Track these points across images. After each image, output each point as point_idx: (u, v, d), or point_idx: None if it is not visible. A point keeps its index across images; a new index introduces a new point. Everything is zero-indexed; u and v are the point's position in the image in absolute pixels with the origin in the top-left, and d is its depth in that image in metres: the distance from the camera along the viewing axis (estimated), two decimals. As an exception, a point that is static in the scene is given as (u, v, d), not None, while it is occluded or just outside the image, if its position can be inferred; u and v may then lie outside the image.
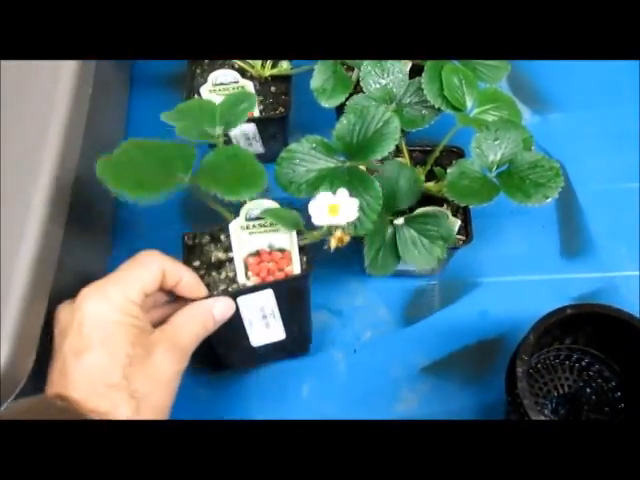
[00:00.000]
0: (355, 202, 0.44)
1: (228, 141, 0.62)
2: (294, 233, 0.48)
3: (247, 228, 0.48)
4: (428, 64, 0.53)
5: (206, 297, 0.48)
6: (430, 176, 0.58)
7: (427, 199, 0.57)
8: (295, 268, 0.50)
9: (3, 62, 0.52)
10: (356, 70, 0.59)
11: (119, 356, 0.41)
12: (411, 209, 0.55)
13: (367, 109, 0.47)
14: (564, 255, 0.65)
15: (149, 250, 0.47)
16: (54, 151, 0.49)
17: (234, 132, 0.64)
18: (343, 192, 0.44)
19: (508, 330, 0.62)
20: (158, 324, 0.46)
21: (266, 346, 0.55)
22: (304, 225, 0.47)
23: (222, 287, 0.50)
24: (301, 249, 0.50)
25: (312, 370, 0.60)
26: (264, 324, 0.52)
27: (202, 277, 0.51)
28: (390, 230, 0.52)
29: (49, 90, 0.52)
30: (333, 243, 0.44)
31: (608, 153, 0.71)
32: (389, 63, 0.55)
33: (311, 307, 0.55)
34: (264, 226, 0.48)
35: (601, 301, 0.61)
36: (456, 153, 0.61)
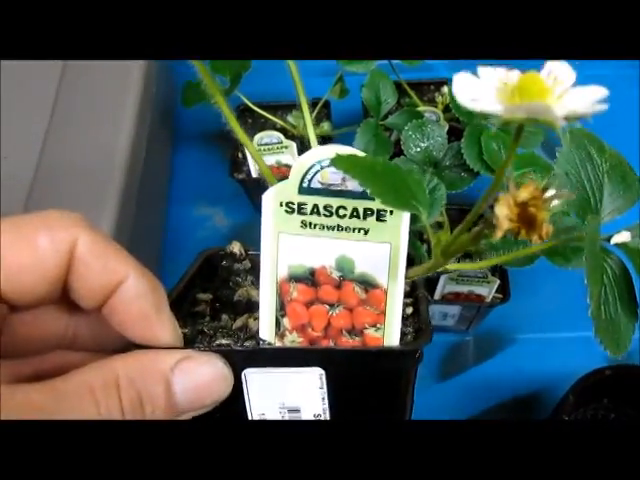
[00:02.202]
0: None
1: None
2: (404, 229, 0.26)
3: (300, 212, 0.26)
4: (467, 130, 0.56)
5: (171, 347, 0.24)
6: (468, 235, 0.59)
7: (465, 258, 0.59)
8: (390, 335, 0.26)
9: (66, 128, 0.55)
10: (394, 132, 0.62)
11: None
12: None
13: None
14: (599, 314, 0.66)
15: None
16: (114, 207, 0.51)
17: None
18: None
19: (543, 387, 0.62)
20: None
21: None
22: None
23: (222, 341, 0.28)
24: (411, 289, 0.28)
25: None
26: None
27: (196, 317, 0.30)
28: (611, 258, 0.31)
29: (109, 146, 0.55)
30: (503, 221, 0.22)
31: None
32: (429, 127, 0.58)
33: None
34: (337, 215, 0.25)
35: (637, 360, 0.62)
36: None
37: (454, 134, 0.61)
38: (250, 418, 0.27)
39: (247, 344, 0.27)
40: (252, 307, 0.31)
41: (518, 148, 0.57)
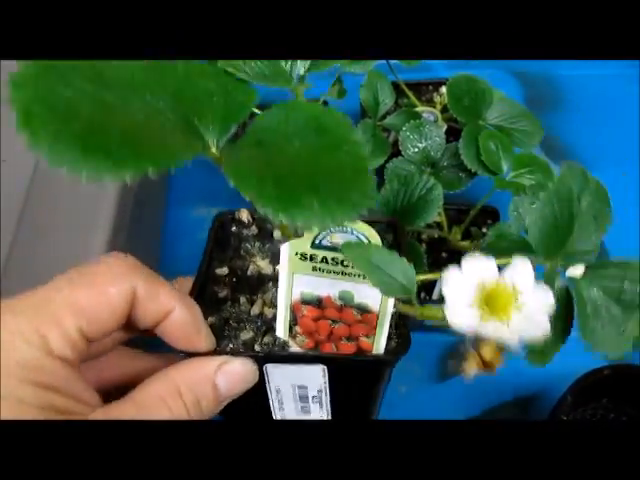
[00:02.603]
0: (550, 297, 0.27)
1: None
2: None
3: (311, 260, 0.30)
4: (465, 130, 0.56)
5: (211, 353, 0.31)
6: (465, 235, 0.60)
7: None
8: (378, 344, 0.33)
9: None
10: (392, 132, 0.62)
11: None
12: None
13: (411, 176, 0.49)
14: (598, 313, 0.66)
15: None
16: (111, 207, 0.51)
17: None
18: (527, 265, 0.27)
19: (543, 388, 0.62)
20: (110, 391, 0.30)
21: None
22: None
23: (246, 337, 0.34)
24: (397, 320, 0.34)
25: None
26: (300, 407, 0.37)
27: (220, 303, 0.35)
28: (561, 285, 0.33)
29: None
30: (470, 368, 0.28)
31: None
32: (427, 128, 0.58)
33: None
34: (342, 265, 0.30)
35: (637, 360, 0.61)
36: (490, 213, 0.63)
37: (452, 134, 0.61)
38: (269, 393, 0.35)
39: (266, 340, 0.34)
40: (263, 282, 0.37)
41: (516, 148, 0.58)
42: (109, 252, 0.49)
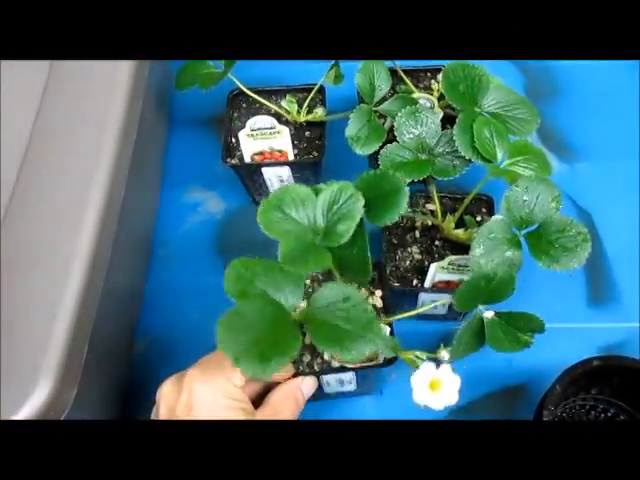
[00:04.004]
0: (458, 381, 0.45)
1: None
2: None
3: None
4: (460, 117, 0.55)
5: (295, 375, 0.52)
6: (459, 223, 0.59)
7: (457, 247, 0.58)
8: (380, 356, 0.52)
9: (57, 106, 0.55)
10: (389, 118, 0.61)
11: None
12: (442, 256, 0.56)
13: (385, 172, 0.48)
14: (591, 304, 0.66)
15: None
16: (103, 186, 0.51)
17: (267, 174, 0.66)
18: (446, 368, 0.45)
19: (533, 378, 0.62)
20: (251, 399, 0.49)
21: (336, 393, 0.59)
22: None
23: (307, 360, 0.53)
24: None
25: (340, 411, 0.61)
26: (339, 384, 0.57)
27: None
28: (477, 318, 0.50)
29: (99, 126, 0.54)
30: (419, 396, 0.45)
31: (635, 203, 0.71)
32: (422, 114, 0.57)
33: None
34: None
35: (628, 351, 0.61)
36: (485, 201, 0.62)
37: (449, 121, 0.60)
38: (323, 383, 0.55)
39: (319, 360, 0.53)
40: None
41: (511, 136, 0.57)
42: (99, 232, 0.49)
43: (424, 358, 0.48)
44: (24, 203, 0.50)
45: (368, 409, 0.62)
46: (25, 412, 0.41)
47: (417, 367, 0.46)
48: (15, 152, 0.53)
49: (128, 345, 0.63)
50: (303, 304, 0.45)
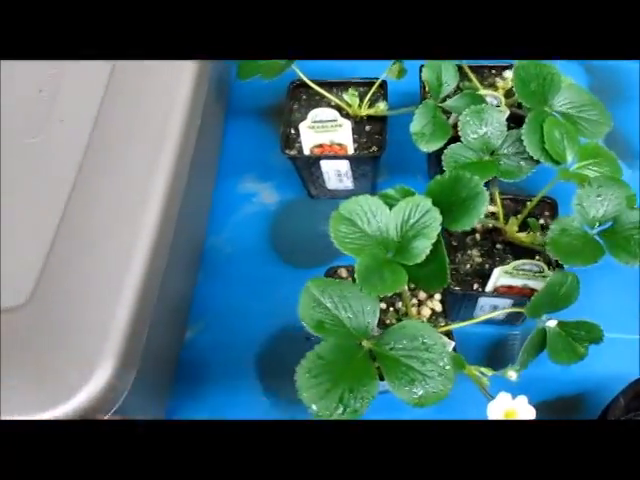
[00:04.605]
0: (533, 413, 0.45)
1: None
2: None
3: None
4: (530, 116, 0.53)
5: None
6: (523, 226, 0.58)
7: (520, 250, 0.57)
8: None
9: (123, 91, 0.55)
10: (452, 115, 0.60)
11: None
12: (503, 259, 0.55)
13: (462, 175, 0.46)
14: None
15: None
16: (167, 172, 0.51)
17: (325, 167, 0.66)
18: (523, 399, 0.45)
19: (590, 389, 0.60)
20: None
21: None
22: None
23: None
24: None
25: (385, 408, 0.60)
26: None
27: None
28: (540, 328, 0.50)
29: (162, 118, 0.54)
30: None
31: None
32: (488, 113, 0.56)
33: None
34: None
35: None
36: (548, 204, 0.61)
37: (515, 121, 0.59)
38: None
39: None
40: None
41: (582, 138, 0.55)
42: (162, 217, 0.49)
43: (489, 375, 0.48)
44: (90, 185, 0.50)
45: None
46: (86, 394, 0.41)
47: (481, 384, 0.46)
48: (81, 136, 0.53)
49: (181, 331, 0.63)
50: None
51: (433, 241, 0.43)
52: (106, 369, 0.42)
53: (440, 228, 0.44)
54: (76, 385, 0.41)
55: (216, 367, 0.63)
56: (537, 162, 0.54)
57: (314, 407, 0.38)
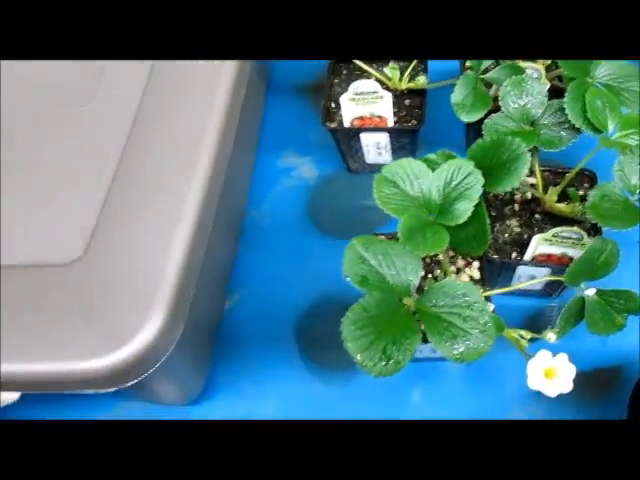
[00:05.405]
0: (573, 370, 0.44)
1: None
2: None
3: None
4: (572, 85, 0.54)
5: None
6: (562, 197, 0.58)
7: (558, 221, 0.57)
8: None
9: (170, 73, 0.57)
10: (493, 87, 0.61)
11: None
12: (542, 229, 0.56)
13: (504, 139, 0.47)
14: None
15: None
16: (210, 154, 0.53)
17: (365, 140, 0.67)
18: (563, 356, 0.45)
19: (626, 361, 0.61)
20: None
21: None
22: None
23: None
24: None
25: (424, 375, 0.61)
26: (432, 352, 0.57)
27: None
28: (579, 296, 0.50)
29: (209, 90, 0.56)
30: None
31: None
32: (529, 84, 0.56)
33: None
34: None
35: None
36: (587, 176, 0.61)
37: (555, 94, 0.59)
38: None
39: None
40: None
41: (623, 108, 0.55)
42: (209, 186, 0.51)
43: (528, 338, 0.48)
44: (141, 147, 0.52)
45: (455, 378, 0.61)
46: (138, 342, 0.43)
47: (520, 347, 0.46)
48: (131, 105, 0.55)
49: (222, 298, 0.65)
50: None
51: (475, 203, 0.44)
52: (157, 319, 0.43)
53: (482, 190, 0.44)
54: (128, 334, 0.43)
55: (255, 335, 0.65)
56: (578, 131, 0.54)
57: (359, 357, 0.39)
